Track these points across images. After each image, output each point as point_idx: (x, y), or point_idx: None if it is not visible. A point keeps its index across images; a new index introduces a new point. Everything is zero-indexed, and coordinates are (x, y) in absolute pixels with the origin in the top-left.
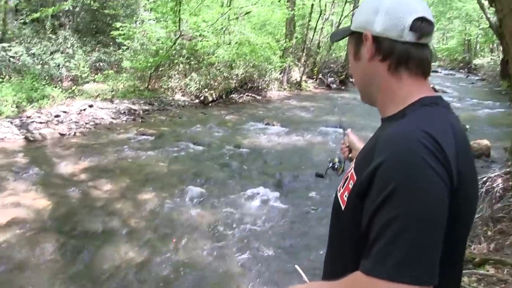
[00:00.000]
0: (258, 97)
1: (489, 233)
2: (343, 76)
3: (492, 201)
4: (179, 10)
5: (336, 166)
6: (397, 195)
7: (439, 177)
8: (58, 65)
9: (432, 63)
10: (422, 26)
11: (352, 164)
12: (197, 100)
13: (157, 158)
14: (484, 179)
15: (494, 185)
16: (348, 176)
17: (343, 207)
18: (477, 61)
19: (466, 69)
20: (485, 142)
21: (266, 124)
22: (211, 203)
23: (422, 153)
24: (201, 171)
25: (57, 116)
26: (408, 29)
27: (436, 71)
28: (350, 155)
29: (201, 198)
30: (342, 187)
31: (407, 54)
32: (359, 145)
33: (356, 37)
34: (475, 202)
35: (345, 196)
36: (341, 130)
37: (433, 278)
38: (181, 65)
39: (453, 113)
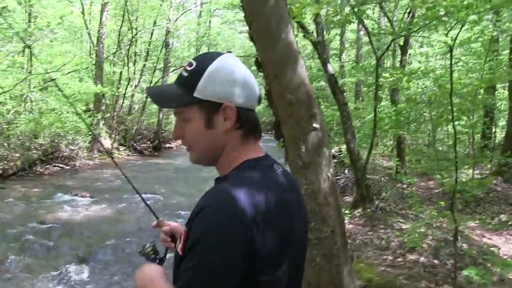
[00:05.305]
0: (66, 167)
1: None
2: (156, 142)
3: None
4: None
5: (152, 257)
6: (199, 246)
7: (238, 239)
8: None
9: None
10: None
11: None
12: None
13: None
14: None
15: None
16: (181, 232)
17: (180, 254)
18: None
19: (273, 131)
20: None
21: (74, 195)
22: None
23: (229, 214)
24: None
25: None
26: (257, 99)
27: None
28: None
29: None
30: (179, 242)
31: (255, 121)
32: (180, 227)
33: (209, 106)
34: (296, 242)
35: (182, 247)
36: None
37: None
38: None
39: (274, 171)
